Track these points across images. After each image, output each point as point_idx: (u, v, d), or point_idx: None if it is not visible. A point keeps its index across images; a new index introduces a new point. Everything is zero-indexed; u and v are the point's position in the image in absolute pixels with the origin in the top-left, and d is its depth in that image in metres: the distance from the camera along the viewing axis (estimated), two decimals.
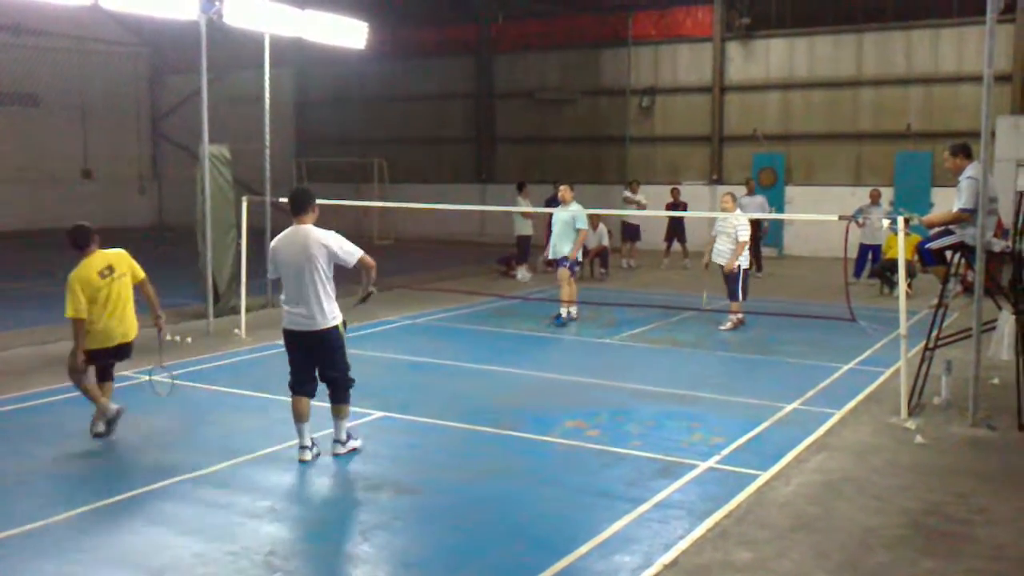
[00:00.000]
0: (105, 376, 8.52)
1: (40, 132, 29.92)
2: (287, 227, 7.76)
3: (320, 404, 7.84)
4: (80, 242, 8.16)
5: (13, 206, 28.80)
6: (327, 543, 6.07)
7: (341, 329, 7.69)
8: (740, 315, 13.84)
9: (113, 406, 8.29)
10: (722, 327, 13.71)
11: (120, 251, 8.48)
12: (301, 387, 7.70)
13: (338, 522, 6.41)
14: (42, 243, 25.33)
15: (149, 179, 35.55)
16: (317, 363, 7.70)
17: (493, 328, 14.15)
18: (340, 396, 7.74)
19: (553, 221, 14.50)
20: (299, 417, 7.67)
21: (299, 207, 7.67)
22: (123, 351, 8.48)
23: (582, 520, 6.48)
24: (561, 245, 14.20)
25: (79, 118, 31.41)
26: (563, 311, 14.32)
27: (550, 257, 14.57)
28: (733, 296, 13.73)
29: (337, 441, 7.81)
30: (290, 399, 7.78)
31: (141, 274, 8.57)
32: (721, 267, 13.76)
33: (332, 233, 7.62)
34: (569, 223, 14.09)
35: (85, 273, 8.02)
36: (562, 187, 14.64)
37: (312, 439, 7.71)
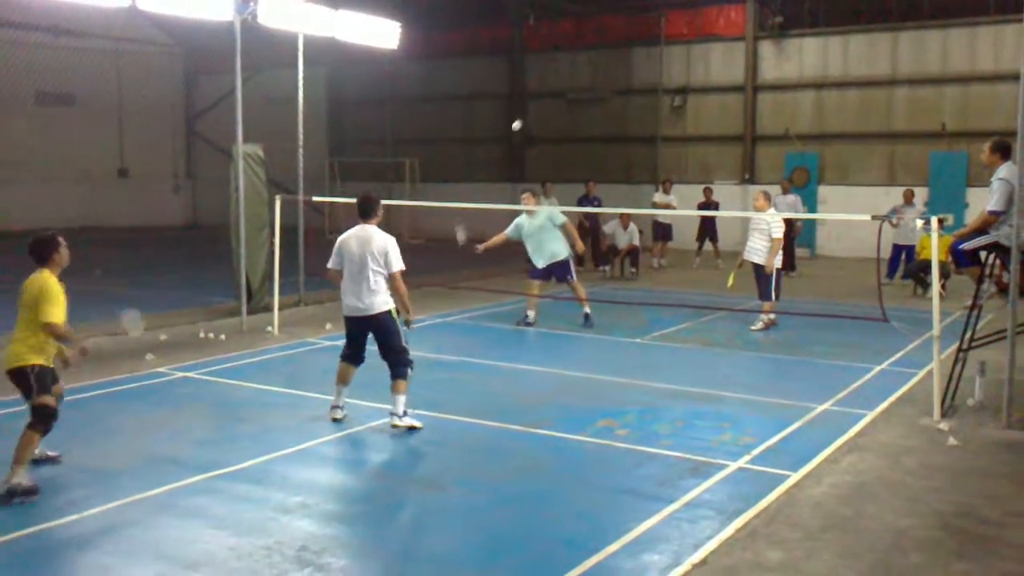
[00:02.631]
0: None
1: (76, 131, 30.27)
2: (350, 226, 8.80)
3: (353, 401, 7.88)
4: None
5: (49, 204, 29.16)
6: (358, 539, 6.12)
7: (393, 314, 8.68)
8: (772, 315, 13.73)
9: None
10: (753, 327, 13.64)
11: (37, 277, 7.15)
12: (350, 357, 8.87)
13: (369, 518, 6.46)
14: (77, 241, 25.75)
15: (183, 178, 35.92)
16: (377, 342, 8.71)
17: (523, 327, 14.16)
18: (398, 372, 8.57)
19: (525, 234, 13.92)
20: (341, 379, 8.81)
21: (367, 211, 8.74)
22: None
23: (611, 519, 6.49)
24: (547, 247, 13.80)
25: (115, 117, 31.77)
26: (530, 313, 14.02)
27: (542, 266, 13.89)
28: (765, 296, 13.60)
29: (394, 414, 8.44)
30: (336, 375, 8.90)
31: (43, 317, 6.94)
32: (755, 265, 13.60)
33: (392, 240, 8.65)
34: (547, 226, 13.73)
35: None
36: (524, 195, 14.24)
37: (343, 404, 8.80)
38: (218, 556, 5.82)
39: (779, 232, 13.44)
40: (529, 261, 14.18)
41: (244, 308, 13.73)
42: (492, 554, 5.96)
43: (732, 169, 26.49)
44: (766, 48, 25.88)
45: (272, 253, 14.03)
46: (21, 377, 7.01)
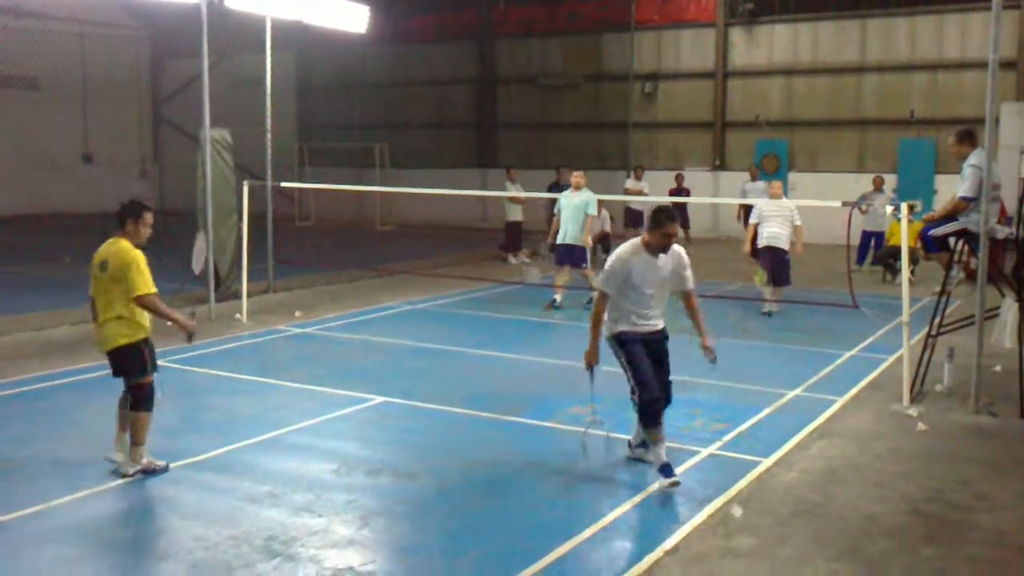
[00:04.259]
0: (127, 401, 7.03)
1: (40, 116, 29.83)
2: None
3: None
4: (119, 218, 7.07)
5: (13, 190, 28.76)
6: (327, 528, 6.06)
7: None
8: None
9: (144, 458, 6.97)
10: (771, 311, 13.86)
11: (117, 246, 6.96)
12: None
13: (338, 507, 6.40)
14: (43, 228, 25.40)
15: (150, 163, 35.51)
16: None
17: (494, 314, 14.13)
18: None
19: (562, 206, 14.34)
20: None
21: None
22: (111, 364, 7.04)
23: (583, 506, 6.47)
24: (571, 227, 14.15)
25: (80, 102, 31.31)
26: (557, 296, 14.37)
27: (558, 241, 14.33)
28: (785, 280, 13.91)
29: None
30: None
31: (136, 289, 6.77)
32: (777, 250, 13.73)
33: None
34: (580, 208, 14.11)
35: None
36: (576, 173, 14.63)
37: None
38: (185, 546, 5.74)
39: (800, 220, 13.87)
40: (555, 245, 14.50)
41: (212, 295, 13.58)
42: (464, 542, 5.92)
43: (703, 155, 26.54)
44: (736, 35, 25.91)
45: (240, 239, 13.88)
46: (132, 354, 6.85)
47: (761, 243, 13.92)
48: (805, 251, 14.32)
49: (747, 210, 20.67)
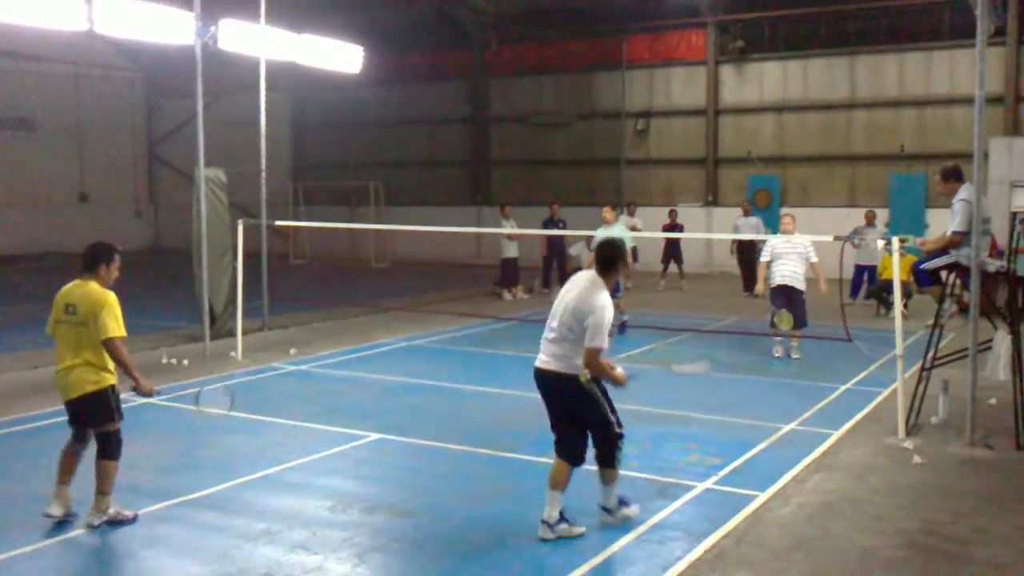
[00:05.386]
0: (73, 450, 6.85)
1: (36, 157, 29.84)
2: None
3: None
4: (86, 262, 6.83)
5: (9, 230, 28.75)
6: (322, 566, 6.03)
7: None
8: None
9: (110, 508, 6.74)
10: (794, 356, 13.10)
11: (87, 287, 6.68)
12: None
13: (334, 544, 6.37)
14: (38, 268, 25.38)
15: (145, 203, 35.59)
16: None
17: (489, 350, 14.13)
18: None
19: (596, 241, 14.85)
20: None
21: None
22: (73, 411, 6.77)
23: (580, 541, 6.45)
24: None
25: (75, 142, 31.40)
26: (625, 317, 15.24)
27: None
28: (803, 323, 12.87)
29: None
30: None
31: (104, 333, 6.53)
32: (792, 290, 13.02)
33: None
34: None
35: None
36: (605, 208, 15.41)
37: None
38: None
39: (816, 256, 13.26)
40: None
41: (207, 333, 13.57)
42: None
43: (695, 191, 26.70)
44: (727, 72, 26.16)
45: (235, 277, 13.89)
46: (100, 402, 6.58)
47: (773, 283, 13.20)
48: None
49: (739, 245, 20.87)
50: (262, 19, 15.04)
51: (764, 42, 25.61)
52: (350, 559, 6.15)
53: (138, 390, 6.75)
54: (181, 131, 30.53)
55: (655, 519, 6.81)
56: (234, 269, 14.05)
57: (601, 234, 14.73)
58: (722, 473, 7.94)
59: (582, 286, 6.57)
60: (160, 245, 33.83)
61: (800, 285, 13.06)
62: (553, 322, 6.66)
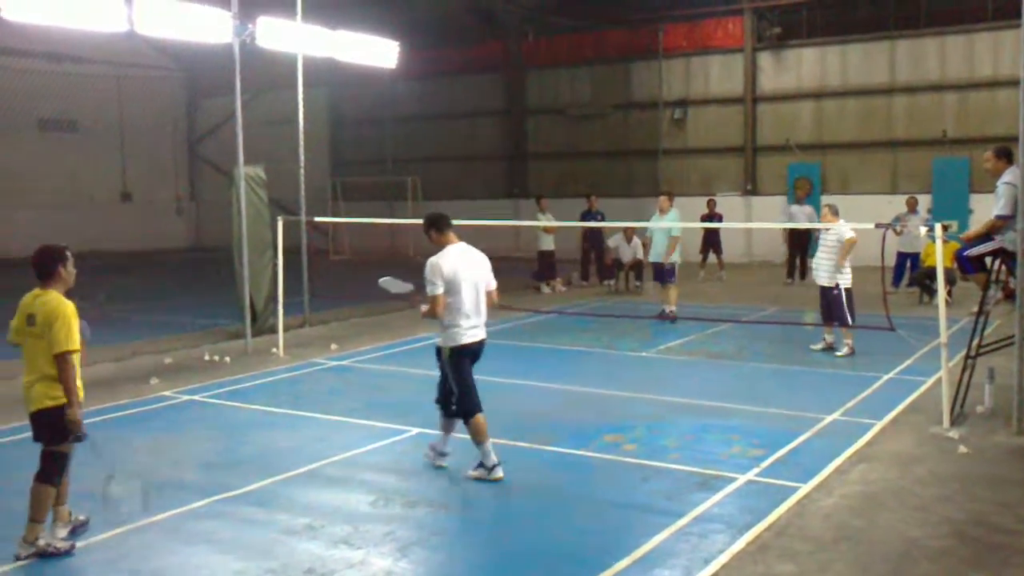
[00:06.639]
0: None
1: (79, 157, 30.44)
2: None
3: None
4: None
5: (52, 231, 29.16)
6: (365, 560, 6.07)
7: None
8: (850, 340, 12.56)
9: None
10: (838, 353, 12.50)
11: (45, 297, 6.18)
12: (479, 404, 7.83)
13: (376, 539, 6.41)
14: (82, 267, 25.76)
15: (186, 201, 36.02)
16: None
17: (528, 343, 14.13)
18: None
19: (653, 229, 16.02)
20: (485, 436, 7.70)
21: (448, 225, 8.09)
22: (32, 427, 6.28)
23: (621, 535, 6.44)
24: (659, 247, 15.77)
25: (117, 142, 31.90)
26: (666, 308, 15.57)
27: (651, 260, 16.31)
28: (841, 320, 12.31)
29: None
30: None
31: (57, 346, 6.02)
32: (821, 288, 12.63)
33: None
34: (665, 229, 15.33)
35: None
36: (661, 197, 15.90)
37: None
38: None
39: (851, 234, 12.23)
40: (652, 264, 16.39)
41: (249, 330, 13.70)
42: (500, 572, 5.91)
43: (734, 180, 26.49)
44: (765, 59, 25.92)
45: (276, 274, 14.01)
46: (54, 419, 6.05)
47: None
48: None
49: (791, 234, 20.63)
50: (299, 16, 15.15)
51: (802, 28, 25.33)
52: (392, 553, 6.18)
53: (68, 419, 6.04)
54: (220, 129, 30.83)
55: (697, 511, 6.78)
56: (275, 266, 14.17)
57: (654, 223, 15.59)
58: (764, 465, 7.88)
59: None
60: (201, 243, 34.22)
61: (825, 282, 12.52)
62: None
